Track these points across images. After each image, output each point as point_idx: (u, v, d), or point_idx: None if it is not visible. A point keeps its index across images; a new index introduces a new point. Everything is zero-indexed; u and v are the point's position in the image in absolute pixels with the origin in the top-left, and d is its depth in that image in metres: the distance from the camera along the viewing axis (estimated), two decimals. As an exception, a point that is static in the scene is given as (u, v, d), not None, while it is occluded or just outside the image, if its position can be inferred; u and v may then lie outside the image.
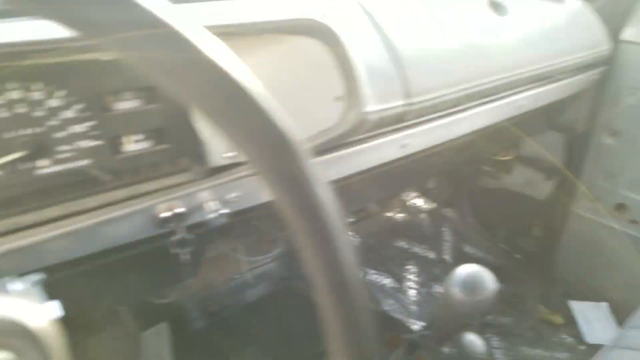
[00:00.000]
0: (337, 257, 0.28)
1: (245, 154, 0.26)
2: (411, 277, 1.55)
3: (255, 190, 0.71)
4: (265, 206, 0.80)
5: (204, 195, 0.66)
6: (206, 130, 0.64)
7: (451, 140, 1.01)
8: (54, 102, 0.54)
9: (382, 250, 1.58)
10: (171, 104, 0.62)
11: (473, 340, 0.90)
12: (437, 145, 0.99)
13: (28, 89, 0.52)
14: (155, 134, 0.62)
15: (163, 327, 0.67)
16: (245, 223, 1.14)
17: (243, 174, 0.68)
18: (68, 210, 0.56)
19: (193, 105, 0.24)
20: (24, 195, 0.54)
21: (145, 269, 0.81)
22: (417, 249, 1.63)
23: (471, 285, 0.75)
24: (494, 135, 1.33)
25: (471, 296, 0.74)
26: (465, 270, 0.78)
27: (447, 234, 1.74)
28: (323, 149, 0.74)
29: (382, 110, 0.74)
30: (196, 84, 0.23)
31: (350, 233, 1.57)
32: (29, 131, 0.53)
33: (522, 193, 1.70)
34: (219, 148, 0.66)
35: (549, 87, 1.24)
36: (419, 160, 1.08)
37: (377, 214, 1.70)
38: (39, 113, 0.53)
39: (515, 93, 1.09)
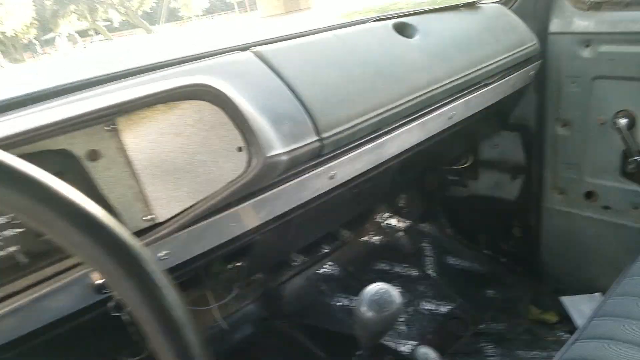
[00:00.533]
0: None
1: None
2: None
3: (184, 244, 0.77)
4: (208, 254, 0.86)
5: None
6: (118, 201, 0.70)
7: (383, 163, 1.06)
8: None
9: (363, 275, 1.60)
10: (81, 183, 0.68)
11: (427, 352, 0.91)
12: (369, 170, 1.04)
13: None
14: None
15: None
16: (208, 270, 1.19)
17: (166, 232, 0.73)
18: (4, 292, 0.61)
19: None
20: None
21: (105, 332, 0.86)
22: (398, 269, 1.66)
23: (378, 302, 0.78)
24: (440, 146, 1.38)
25: (380, 312, 0.77)
26: (372, 289, 0.82)
27: (427, 249, 1.76)
28: (240, 197, 0.80)
29: (292, 150, 0.81)
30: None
31: (329, 264, 1.60)
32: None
33: (494, 196, 1.73)
34: (136, 214, 0.72)
35: (482, 91, 1.29)
36: (362, 186, 1.13)
37: (353, 240, 1.73)
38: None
39: (441, 106, 1.14)
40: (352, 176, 0.99)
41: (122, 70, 0.81)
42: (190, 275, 0.99)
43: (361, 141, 0.97)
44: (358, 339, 0.80)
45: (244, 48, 0.93)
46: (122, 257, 0.31)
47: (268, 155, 0.75)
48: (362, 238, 1.72)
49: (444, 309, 1.59)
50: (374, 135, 0.99)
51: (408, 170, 1.34)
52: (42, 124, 0.60)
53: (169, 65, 0.84)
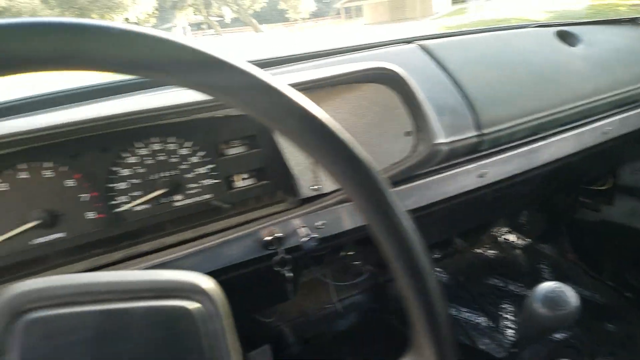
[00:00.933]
0: (417, 265, 0.35)
1: (337, 182, 0.36)
2: (508, 316, 1.50)
3: (338, 218, 0.82)
4: (351, 234, 0.90)
5: (296, 222, 0.78)
6: (296, 168, 0.76)
7: (533, 169, 1.03)
8: (184, 151, 0.71)
9: (473, 287, 1.56)
10: (269, 148, 0.76)
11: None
12: (517, 175, 1.02)
13: (165, 142, 0.69)
14: (257, 172, 0.77)
15: (267, 349, 0.76)
16: (335, 252, 1.24)
17: (327, 203, 0.78)
18: (198, 233, 0.70)
19: (295, 144, 0.35)
20: (166, 222, 0.71)
21: (252, 287, 0.93)
22: (512, 287, 1.58)
23: (554, 300, 0.76)
24: (585, 163, 1.30)
25: (553, 310, 0.75)
26: (548, 286, 0.79)
27: (545, 271, 1.66)
28: (399, 180, 0.83)
29: (453, 142, 0.82)
30: (294, 128, 0.33)
31: (438, 269, 1.57)
32: (167, 173, 0.70)
33: (628, 225, 1.58)
34: (306, 182, 0.78)
35: (637, 111, 1.21)
36: (505, 191, 1.11)
37: (466, 250, 1.69)
38: (173, 159, 0.70)
39: (598, 119, 1.09)
40: (501, 177, 0.98)
41: (303, 53, 0.88)
42: (332, 249, 1.04)
43: (517, 143, 0.95)
44: (520, 335, 0.79)
45: (408, 41, 0.96)
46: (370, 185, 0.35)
47: (435, 142, 0.77)
48: (477, 250, 1.68)
49: (558, 335, 1.50)
50: (530, 139, 0.97)
51: (548, 183, 1.28)
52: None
53: (341, 52, 0.90)
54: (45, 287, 0.31)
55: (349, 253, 1.29)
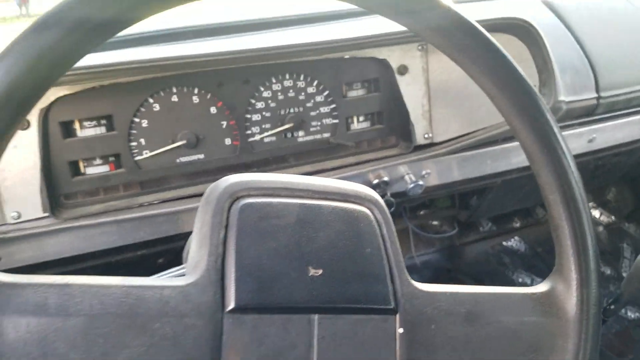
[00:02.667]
0: (575, 194, 0.37)
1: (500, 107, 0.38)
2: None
3: (444, 169, 0.84)
4: (455, 186, 0.92)
5: (404, 168, 0.81)
6: (413, 114, 0.79)
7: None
8: (310, 89, 0.75)
9: (551, 259, 1.53)
10: (388, 93, 0.78)
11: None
12: (626, 144, 0.98)
13: (296, 79, 0.74)
14: (374, 116, 0.80)
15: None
16: (420, 207, 1.27)
17: (437, 152, 0.81)
18: (316, 168, 0.76)
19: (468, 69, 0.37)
20: (289, 154, 0.76)
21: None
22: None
23: None
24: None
25: None
26: None
27: (627, 251, 1.60)
28: (510, 136, 0.83)
29: (573, 101, 0.81)
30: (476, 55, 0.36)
31: (516, 238, 1.57)
32: (294, 110, 0.75)
33: None
34: (420, 130, 0.80)
35: None
36: (608, 160, 1.07)
37: (546, 223, 1.66)
38: (301, 97, 0.75)
39: None
40: (609, 145, 0.95)
41: None
42: (426, 200, 1.07)
43: (632, 110, 0.92)
44: (623, 291, 0.80)
45: (533, -4, 0.93)
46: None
47: (558, 99, 0.77)
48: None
49: (632, 315, 1.46)
50: (647, 107, 0.92)
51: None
52: (376, 33, 0.70)
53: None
54: (257, 179, 0.37)
55: (429, 211, 1.31)
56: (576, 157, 0.95)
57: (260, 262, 0.33)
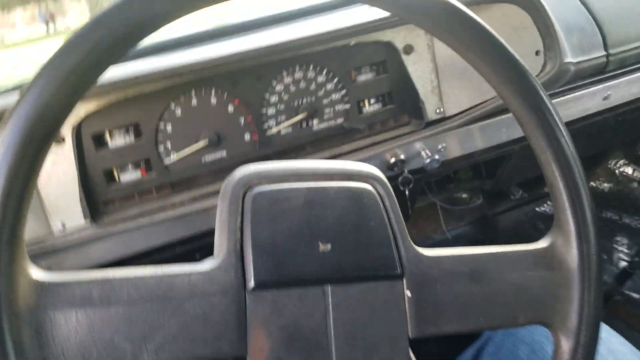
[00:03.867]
0: (567, 152, 0.39)
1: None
2: (622, 249, 1.46)
3: (459, 141, 0.85)
4: (471, 157, 0.93)
5: (419, 145, 0.83)
6: (422, 91, 0.81)
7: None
8: (320, 78, 0.78)
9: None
10: (396, 73, 0.80)
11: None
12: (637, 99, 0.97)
13: (306, 70, 0.77)
14: (384, 97, 0.82)
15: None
16: (447, 182, 1.28)
17: (449, 126, 0.82)
18: (333, 153, 0.79)
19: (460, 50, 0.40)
20: (306, 143, 0.80)
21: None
22: (627, 220, 1.52)
23: None
24: None
25: None
26: None
27: (665, 206, 1.56)
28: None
29: (581, 61, 0.81)
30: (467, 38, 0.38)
31: (549, 203, 1.55)
32: (307, 99, 0.78)
33: None
34: (431, 106, 0.82)
35: None
36: (628, 115, 1.06)
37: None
38: (312, 87, 0.78)
39: None
40: (626, 100, 0.94)
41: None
42: (446, 173, 1.09)
43: (646, 63, 0.90)
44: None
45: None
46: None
47: (564, 61, 0.77)
48: (590, 183, 1.62)
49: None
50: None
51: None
52: (379, 17, 0.72)
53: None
54: (267, 168, 0.41)
55: (453, 184, 1.32)
56: (593, 115, 0.96)
57: (274, 243, 0.37)
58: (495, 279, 0.41)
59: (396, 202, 0.42)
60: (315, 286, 0.37)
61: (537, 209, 1.56)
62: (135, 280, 0.35)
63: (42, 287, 0.33)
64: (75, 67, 0.30)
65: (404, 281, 0.39)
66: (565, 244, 0.41)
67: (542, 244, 0.43)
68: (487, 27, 0.38)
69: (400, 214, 0.41)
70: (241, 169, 0.41)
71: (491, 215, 1.51)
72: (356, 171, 0.42)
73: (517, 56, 0.40)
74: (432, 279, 0.40)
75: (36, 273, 0.34)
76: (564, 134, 0.40)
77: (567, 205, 0.41)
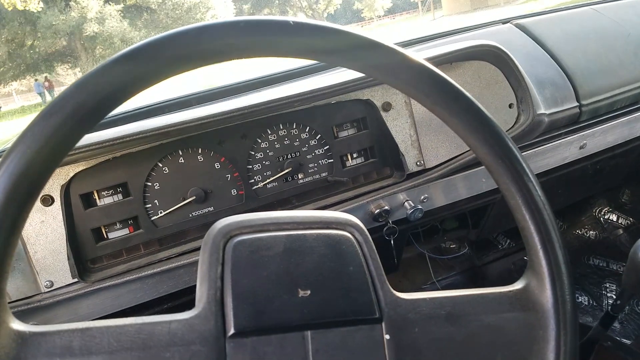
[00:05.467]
0: (534, 196, 0.41)
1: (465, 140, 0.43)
2: (611, 295, 1.45)
3: (441, 191, 0.88)
4: (453, 207, 0.95)
5: (402, 196, 0.85)
6: (402, 145, 0.84)
7: (634, 140, 1.01)
8: (304, 135, 0.81)
9: (574, 268, 1.52)
10: (377, 129, 0.84)
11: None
12: (618, 146, 1.01)
13: (289, 128, 0.80)
14: (366, 151, 0.85)
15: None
16: (433, 232, 1.29)
17: (430, 177, 0.85)
18: (318, 205, 0.81)
19: (427, 104, 0.42)
20: (291, 196, 0.82)
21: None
22: (614, 267, 1.53)
23: None
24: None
25: None
26: None
27: (653, 251, 1.57)
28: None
29: (553, 113, 0.85)
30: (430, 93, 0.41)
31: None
32: (291, 155, 0.81)
33: None
34: (412, 159, 0.85)
35: None
36: (605, 163, 1.09)
37: (566, 231, 1.65)
38: (296, 143, 0.81)
39: None
40: (602, 148, 0.98)
41: (402, 41, 0.95)
42: (433, 223, 1.10)
43: (617, 113, 0.95)
44: (624, 286, 0.80)
45: (504, 21, 0.99)
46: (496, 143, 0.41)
47: (537, 113, 0.81)
48: (576, 231, 1.63)
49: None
50: (631, 109, 0.96)
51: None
52: (357, 77, 0.76)
53: (438, 37, 0.96)
54: (247, 219, 0.42)
55: (439, 234, 1.33)
56: (571, 164, 0.99)
57: (254, 290, 0.38)
58: (472, 321, 0.41)
59: (374, 247, 0.43)
60: (296, 332, 0.38)
61: (525, 257, 1.57)
62: (115, 329, 0.35)
63: (22, 338, 0.34)
64: (53, 134, 0.32)
65: (383, 325, 0.40)
66: (539, 285, 0.42)
67: (517, 285, 0.44)
68: (450, 80, 0.40)
69: (378, 259, 0.42)
70: (222, 221, 0.42)
71: (480, 264, 1.51)
72: (334, 219, 0.43)
73: (482, 107, 0.41)
74: (410, 322, 0.40)
75: (16, 325, 0.34)
76: (532, 179, 0.41)
77: (538, 247, 0.41)
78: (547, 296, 0.41)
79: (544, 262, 0.41)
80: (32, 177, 0.32)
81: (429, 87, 0.41)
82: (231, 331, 0.37)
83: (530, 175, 0.42)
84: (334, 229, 0.42)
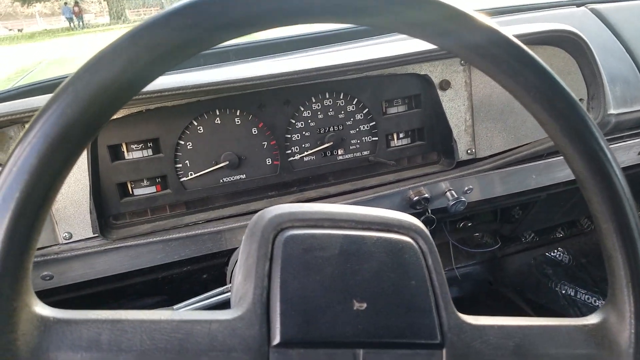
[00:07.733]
0: (625, 208, 0.36)
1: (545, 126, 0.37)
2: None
3: (487, 184, 0.82)
4: (497, 201, 0.89)
5: (444, 185, 0.79)
6: (455, 130, 0.77)
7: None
8: (350, 108, 0.75)
9: (595, 270, 1.47)
10: (430, 109, 0.77)
11: None
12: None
13: (336, 98, 0.74)
14: (415, 132, 0.79)
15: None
16: (460, 221, 1.24)
17: (480, 168, 0.79)
18: (355, 186, 0.75)
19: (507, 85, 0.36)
20: (328, 173, 0.76)
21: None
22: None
23: None
24: None
25: None
26: None
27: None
28: (554, 152, 0.80)
29: (623, 113, 0.77)
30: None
31: (560, 249, 1.51)
32: (333, 128, 0.75)
33: None
34: (463, 146, 0.79)
35: None
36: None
37: (594, 232, 1.59)
38: (340, 115, 0.75)
39: None
40: (663, 156, 0.90)
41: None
42: (471, 214, 1.05)
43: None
44: None
45: (579, 4, 0.90)
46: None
47: (607, 112, 0.73)
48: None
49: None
50: None
51: None
52: (419, 50, 0.69)
53: (505, 12, 0.87)
54: (300, 210, 0.37)
55: (470, 224, 1.28)
56: (626, 169, 0.92)
57: (304, 296, 0.33)
58: (541, 355, 0.37)
59: (439, 259, 0.38)
60: (346, 349, 0.33)
61: (547, 254, 1.52)
62: (149, 325, 0.31)
63: (45, 325, 0.30)
64: (136, 60, 0.27)
65: (444, 352, 0.35)
66: (619, 322, 0.37)
67: (593, 319, 0.39)
68: (564, 85, 0.34)
69: (444, 275, 0.37)
70: (272, 209, 0.37)
71: (500, 256, 1.47)
72: (397, 221, 0.38)
73: (587, 113, 0.36)
74: (474, 351, 0.36)
75: (40, 308, 0.30)
76: (631, 205, 0.36)
77: (624, 282, 0.37)
78: (625, 337, 0.37)
79: (627, 300, 0.36)
80: (105, 103, 0.27)
81: (522, 73, 0.34)
82: (276, 340, 0.32)
83: (630, 201, 0.36)
84: (396, 233, 0.37)
